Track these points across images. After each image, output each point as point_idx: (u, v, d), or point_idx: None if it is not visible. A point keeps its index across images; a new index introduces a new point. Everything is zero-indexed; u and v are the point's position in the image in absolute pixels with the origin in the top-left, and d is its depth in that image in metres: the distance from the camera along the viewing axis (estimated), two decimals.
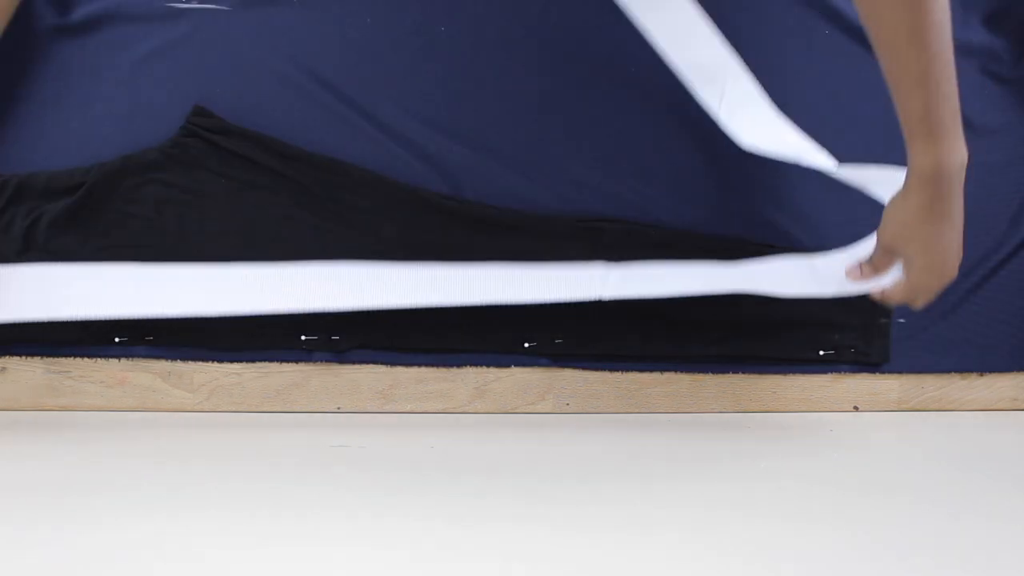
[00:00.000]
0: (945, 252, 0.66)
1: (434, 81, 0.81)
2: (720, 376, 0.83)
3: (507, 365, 0.82)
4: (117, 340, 0.78)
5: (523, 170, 0.82)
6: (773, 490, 0.66)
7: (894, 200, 0.67)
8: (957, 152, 0.63)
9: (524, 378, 0.82)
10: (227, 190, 0.78)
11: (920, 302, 0.70)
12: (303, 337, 0.79)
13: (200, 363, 0.79)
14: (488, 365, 0.81)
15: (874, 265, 0.71)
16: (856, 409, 0.85)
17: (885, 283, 0.71)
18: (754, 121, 0.76)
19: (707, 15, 0.75)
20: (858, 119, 0.83)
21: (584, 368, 0.82)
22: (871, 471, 0.71)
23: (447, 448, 0.73)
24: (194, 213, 0.78)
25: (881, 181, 0.73)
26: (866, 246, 0.74)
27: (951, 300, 0.84)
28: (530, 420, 0.81)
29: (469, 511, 0.59)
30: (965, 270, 0.84)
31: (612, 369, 0.82)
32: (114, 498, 0.60)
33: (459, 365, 0.81)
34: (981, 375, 0.86)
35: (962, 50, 0.85)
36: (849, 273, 0.73)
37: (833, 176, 0.76)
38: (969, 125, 0.85)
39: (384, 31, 0.80)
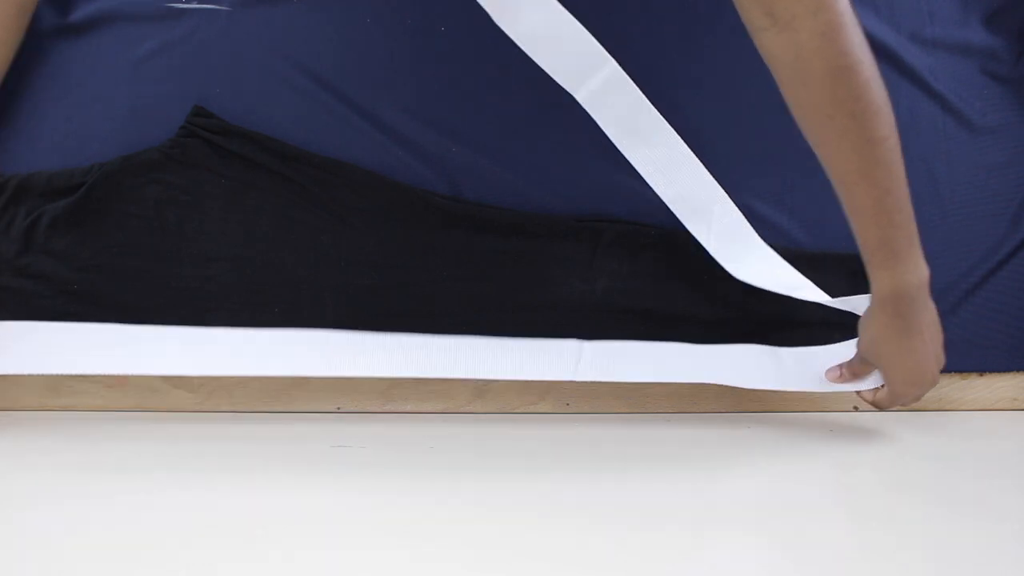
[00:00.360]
0: (918, 364, 0.70)
1: (434, 81, 0.81)
2: None
3: None
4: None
5: (523, 170, 0.82)
6: (772, 490, 0.66)
7: (864, 318, 0.72)
8: (914, 273, 0.66)
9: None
10: (227, 190, 0.78)
11: (903, 405, 0.74)
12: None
13: None
14: None
15: (852, 370, 0.76)
16: (856, 409, 0.85)
17: (865, 385, 0.76)
18: (746, 254, 0.79)
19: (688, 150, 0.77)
20: None
21: None
22: (870, 471, 0.71)
23: (447, 448, 0.73)
24: (194, 213, 0.78)
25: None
26: (845, 348, 0.78)
27: (951, 300, 0.84)
28: (530, 420, 0.81)
29: (469, 511, 0.59)
30: (965, 270, 0.85)
31: None
32: (114, 498, 0.60)
33: None
34: (981, 375, 0.86)
35: (962, 50, 0.86)
36: (828, 373, 0.77)
37: (826, 304, 0.78)
38: (969, 125, 0.86)
39: (384, 31, 0.80)
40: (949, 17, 0.86)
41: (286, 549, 0.52)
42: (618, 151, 0.81)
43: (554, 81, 0.81)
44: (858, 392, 0.77)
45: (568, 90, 0.76)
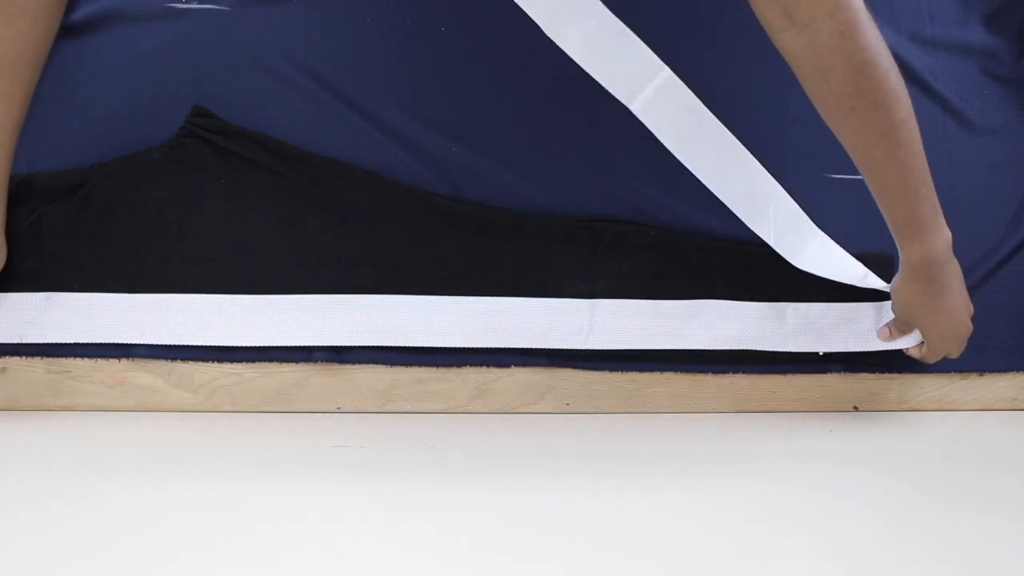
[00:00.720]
0: (951, 319, 0.75)
1: (434, 81, 0.81)
2: (720, 376, 0.83)
3: (507, 365, 0.82)
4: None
5: (523, 170, 0.82)
6: (772, 491, 0.66)
7: (895, 284, 0.76)
8: (940, 239, 0.71)
9: (524, 378, 0.82)
10: (227, 190, 0.78)
11: (948, 356, 0.78)
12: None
13: (200, 363, 0.79)
14: (488, 365, 0.81)
15: (900, 328, 0.80)
16: (856, 409, 0.85)
17: (911, 342, 0.80)
18: (803, 244, 0.81)
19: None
20: None
21: (584, 368, 0.82)
22: (870, 471, 0.71)
23: (447, 448, 0.73)
24: (194, 213, 0.78)
25: None
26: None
27: None
28: (530, 420, 0.81)
29: (469, 511, 0.59)
30: (965, 270, 0.84)
31: (612, 369, 0.82)
32: (114, 498, 0.60)
33: (459, 365, 0.81)
34: (981, 375, 0.86)
35: (962, 50, 0.86)
36: (879, 334, 0.81)
37: (884, 290, 0.79)
38: (969, 125, 0.86)
39: (384, 31, 0.80)
40: (949, 17, 0.86)
41: (286, 548, 0.52)
42: (618, 152, 0.82)
43: (554, 81, 0.81)
44: (906, 349, 0.80)
45: (623, 101, 0.77)
